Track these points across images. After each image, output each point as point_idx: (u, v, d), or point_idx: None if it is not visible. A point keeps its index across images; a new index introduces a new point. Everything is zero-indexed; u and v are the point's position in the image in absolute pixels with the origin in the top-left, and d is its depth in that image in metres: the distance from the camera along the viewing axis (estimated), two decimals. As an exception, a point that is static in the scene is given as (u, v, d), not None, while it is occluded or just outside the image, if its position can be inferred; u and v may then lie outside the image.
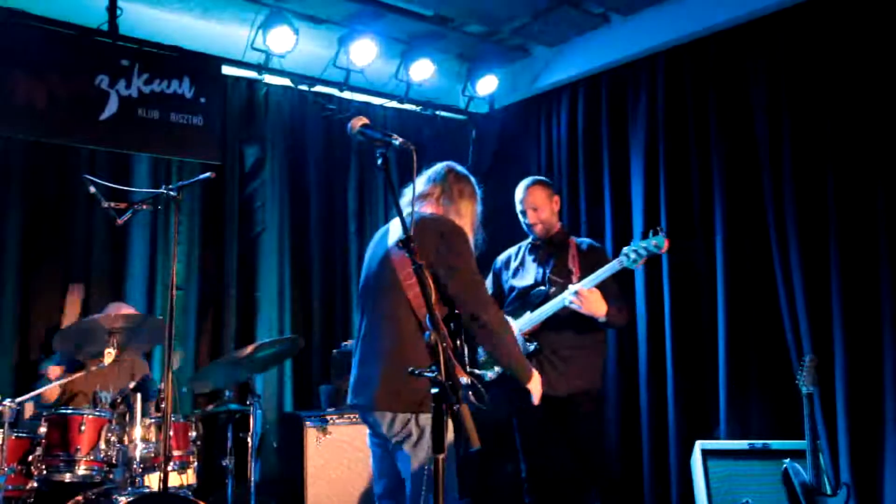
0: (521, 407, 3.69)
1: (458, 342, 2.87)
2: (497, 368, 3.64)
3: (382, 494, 2.91)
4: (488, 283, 3.99)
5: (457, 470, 2.78)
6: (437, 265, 2.73)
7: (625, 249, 3.48)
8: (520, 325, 3.67)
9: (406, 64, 5.43)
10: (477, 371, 3.59)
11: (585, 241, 3.91)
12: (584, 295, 3.47)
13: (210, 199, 4.95)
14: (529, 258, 3.91)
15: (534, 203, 3.82)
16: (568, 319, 3.60)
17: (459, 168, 3.08)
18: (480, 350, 3.74)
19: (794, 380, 3.69)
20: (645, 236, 3.50)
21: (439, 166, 3.06)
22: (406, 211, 2.95)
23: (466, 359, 2.82)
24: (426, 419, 2.68)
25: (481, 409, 2.89)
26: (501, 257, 4.05)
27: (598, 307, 3.49)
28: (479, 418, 2.11)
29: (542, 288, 3.71)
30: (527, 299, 3.75)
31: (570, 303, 3.51)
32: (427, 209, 2.92)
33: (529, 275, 3.85)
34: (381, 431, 2.75)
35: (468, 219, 2.95)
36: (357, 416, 4.39)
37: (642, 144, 4.89)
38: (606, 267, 3.51)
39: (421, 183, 3.02)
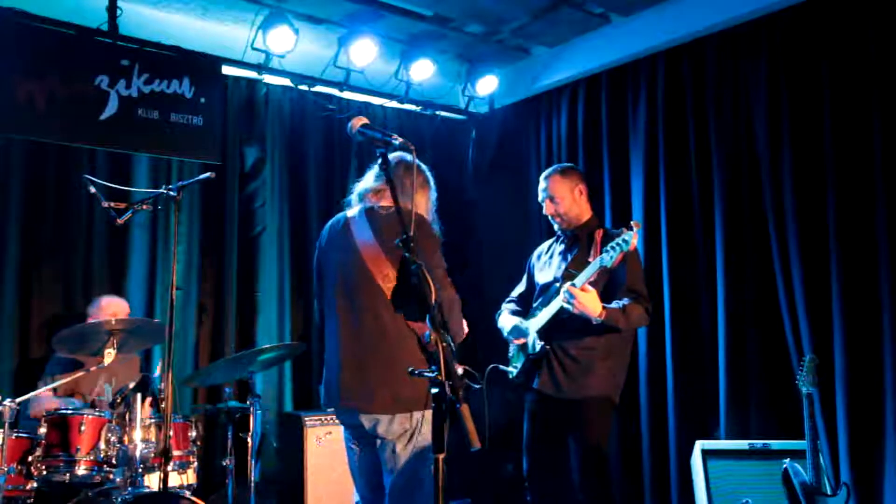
0: (529, 408, 3.67)
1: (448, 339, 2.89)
2: (519, 364, 3.64)
3: (364, 493, 2.93)
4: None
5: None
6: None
7: (604, 248, 3.32)
8: (535, 323, 3.58)
9: (406, 64, 5.43)
10: (502, 367, 3.66)
11: (614, 231, 3.56)
12: (574, 293, 3.27)
13: (210, 199, 4.95)
14: (557, 251, 3.72)
15: (551, 193, 3.62)
16: (579, 318, 3.36)
17: (409, 158, 2.93)
18: (512, 346, 3.75)
19: (794, 380, 3.68)
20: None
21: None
22: (356, 208, 2.96)
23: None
24: (419, 416, 2.71)
25: (472, 387, 2.95)
26: (536, 251, 3.89)
27: (589, 307, 3.27)
28: (480, 418, 2.12)
29: (556, 285, 3.51)
30: (546, 296, 3.59)
31: (563, 302, 3.35)
32: (383, 203, 2.88)
33: (551, 270, 3.66)
34: (376, 432, 2.75)
35: (422, 209, 2.91)
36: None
37: (642, 144, 4.89)
38: (590, 265, 3.33)
39: (370, 178, 3.00)
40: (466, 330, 2.94)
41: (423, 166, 3.03)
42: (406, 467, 2.72)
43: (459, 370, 2.69)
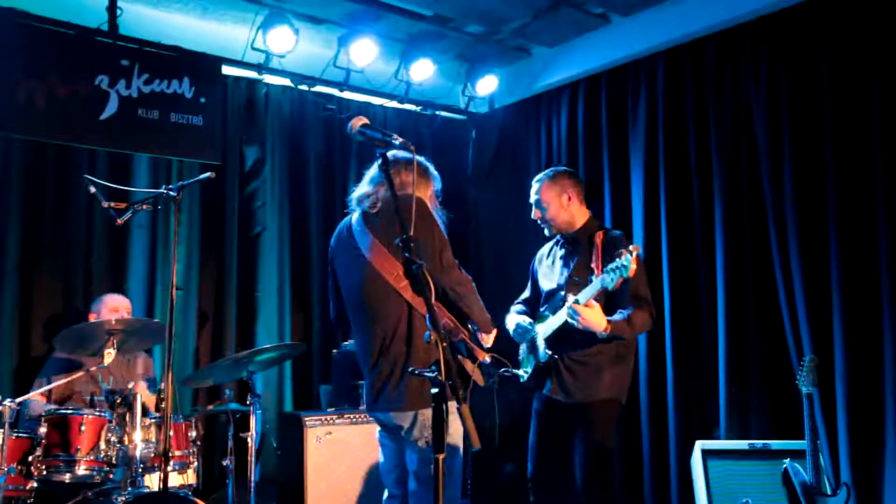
0: (537, 410, 3.66)
1: (469, 327, 2.92)
2: (529, 368, 3.64)
3: (393, 486, 3.03)
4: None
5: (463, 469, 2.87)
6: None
7: (605, 268, 3.28)
8: (542, 330, 3.56)
9: (406, 64, 5.43)
10: (513, 370, 3.63)
11: (614, 232, 3.53)
12: (578, 310, 3.26)
13: (210, 199, 4.95)
14: (558, 256, 3.67)
15: (537, 199, 3.62)
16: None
17: (399, 155, 2.89)
18: (521, 349, 3.75)
19: (794, 380, 3.69)
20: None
21: (376, 164, 2.92)
22: (355, 214, 3.01)
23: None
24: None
25: (510, 374, 3.09)
26: (538, 255, 3.85)
27: (594, 322, 3.27)
28: (481, 419, 2.13)
29: (561, 293, 3.50)
30: (551, 303, 3.57)
31: (568, 318, 3.32)
32: (379, 206, 2.91)
33: (554, 276, 3.63)
34: (401, 430, 2.84)
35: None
36: (359, 416, 4.45)
37: (642, 144, 4.88)
38: (592, 284, 3.30)
39: (365, 182, 3.01)
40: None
41: (423, 160, 3.02)
42: (422, 465, 2.79)
43: (487, 358, 2.76)
